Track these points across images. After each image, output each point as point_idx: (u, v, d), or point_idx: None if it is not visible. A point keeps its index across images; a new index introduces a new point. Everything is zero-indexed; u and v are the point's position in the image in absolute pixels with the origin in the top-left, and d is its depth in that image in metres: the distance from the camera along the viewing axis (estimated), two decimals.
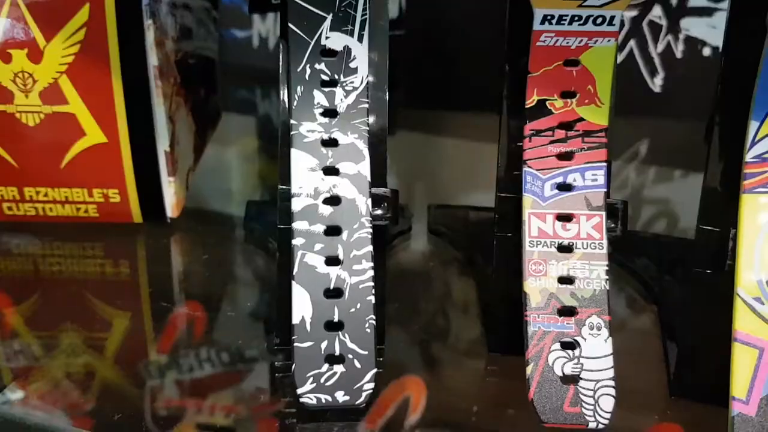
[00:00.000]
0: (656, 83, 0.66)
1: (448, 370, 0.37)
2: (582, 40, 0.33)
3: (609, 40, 0.33)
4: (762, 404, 0.29)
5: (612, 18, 0.33)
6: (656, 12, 0.60)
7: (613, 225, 0.34)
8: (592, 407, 0.31)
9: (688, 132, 0.61)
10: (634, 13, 0.59)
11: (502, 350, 0.37)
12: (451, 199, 0.52)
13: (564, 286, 0.33)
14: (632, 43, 0.60)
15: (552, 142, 0.34)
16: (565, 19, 0.33)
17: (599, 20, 0.33)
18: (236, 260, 0.46)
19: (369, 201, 0.34)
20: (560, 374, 0.31)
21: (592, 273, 0.33)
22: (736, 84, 0.33)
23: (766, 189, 0.31)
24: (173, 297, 0.42)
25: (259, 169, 0.59)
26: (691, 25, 0.61)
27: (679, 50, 0.62)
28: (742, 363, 0.29)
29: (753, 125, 0.31)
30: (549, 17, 0.33)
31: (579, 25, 0.33)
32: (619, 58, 0.59)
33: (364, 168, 0.34)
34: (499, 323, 0.37)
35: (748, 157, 0.31)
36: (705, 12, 0.61)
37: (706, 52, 0.63)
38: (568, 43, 0.33)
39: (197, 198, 0.51)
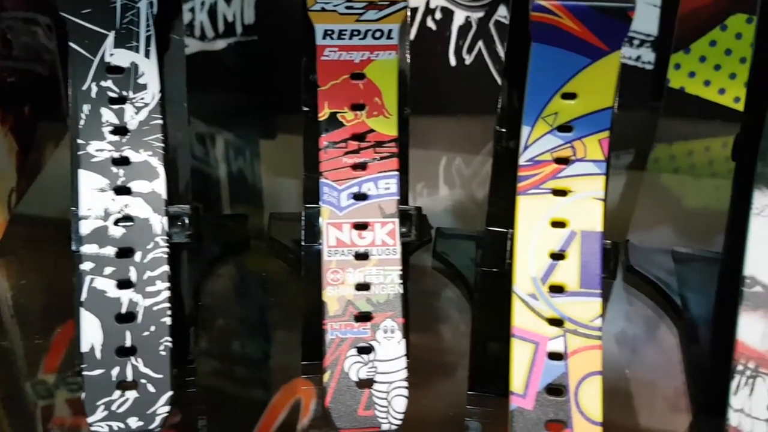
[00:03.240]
0: None
1: None
2: (364, 54, 0.33)
3: (390, 53, 0.33)
4: (539, 398, 0.30)
5: (390, 31, 0.33)
6: (502, 12, 0.60)
7: (405, 230, 0.34)
8: (385, 409, 0.31)
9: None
10: (480, 14, 0.59)
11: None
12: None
13: (360, 292, 0.33)
14: (480, 43, 0.61)
15: (346, 153, 0.34)
16: (345, 34, 0.33)
17: (378, 34, 0.33)
18: (56, 285, 0.44)
19: (165, 220, 0.33)
20: (356, 379, 0.31)
21: (387, 278, 0.33)
22: (514, 91, 0.34)
23: (539, 191, 0.32)
24: None
25: None
26: None
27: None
28: (519, 358, 0.30)
29: (525, 130, 0.32)
30: (329, 32, 0.33)
31: (359, 39, 0.33)
32: (469, 59, 0.60)
33: (159, 186, 0.33)
34: (308, 334, 0.37)
35: (522, 160, 0.32)
36: None
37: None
38: (351, 57, 0.33)
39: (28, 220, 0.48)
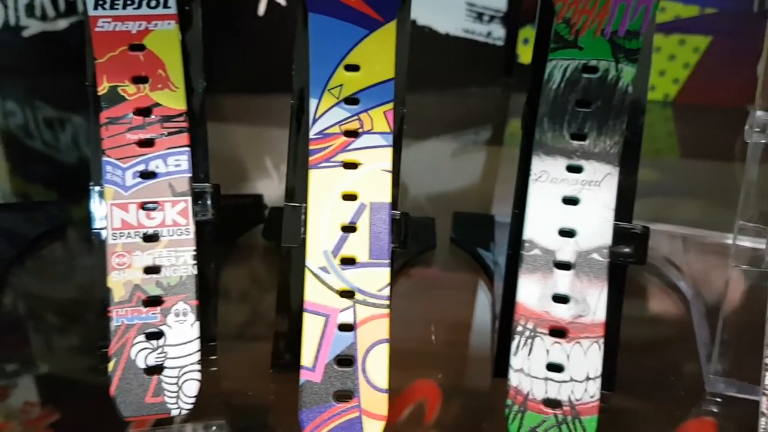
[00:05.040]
0: None
1: None
2: (141, 24, 0.31)
3: (169, 23, 0.31)
4: (327, 369, 0.30)
5: (167, 1, 0.31)
6: None
7: (198, 209, 0.33)
8: (175, 394, 0.30)
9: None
10: None
11: None
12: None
13: (150, 276, 0.31)
14: None
15: (130, 129, 0.32)
16: (118, 4, 0.30)
17: (153, 3, 0.31)
18: None
19: None
20: (143, 366, 0.30)
21: (179, 260, 0.32)
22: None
23: (329, 164, 0.32)
24: None
25: None
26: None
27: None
28: (310, 332, 0.30)
29: (312, 103, 0.31)
30: (101, 2, 0.30)
31: (134, 9, 0.31)
32: None
33: None
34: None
35: (312, 133, 0.32)
36: None
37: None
38: (127, 27, 0.31)
39: None
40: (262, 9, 0.59)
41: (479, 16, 0.63)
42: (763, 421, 0.29)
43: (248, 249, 0.46)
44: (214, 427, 0.32)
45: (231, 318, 0.39)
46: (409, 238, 0.33)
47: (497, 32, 0.63)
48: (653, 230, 0.50)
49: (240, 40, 0.61)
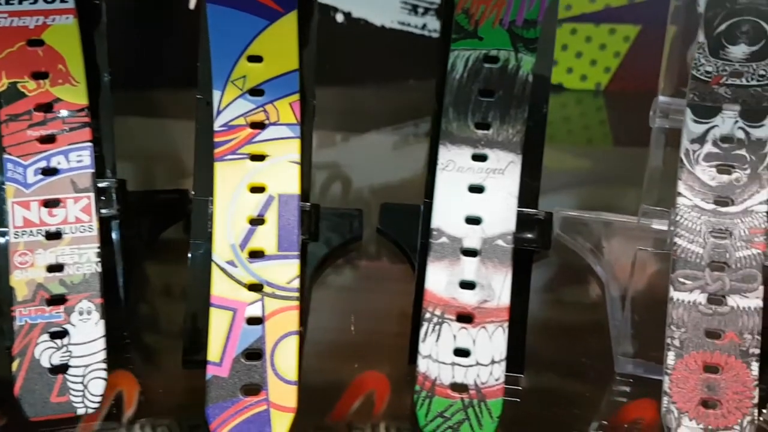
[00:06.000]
0: None
1: None
2: (39, 19, 0.31)
3: (67, 18, 0.31)
4: (235, 364, 0.29)
5: None
6: None
7: (102, 205, 0.32)
8: (81, 393, 0.29)
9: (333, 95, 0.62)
10: None
11: None
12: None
13: (53, 274, 0.31)
14: None
15: (31, 125, 0.32)
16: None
17: None
18: None
19: None
20: (48, 366, 0.29)
21: (83, 257, 0.31)
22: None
23: (235, 156, 0.32)
24: None
25: None
26: None
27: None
28: (217, 326, 0.30)
29: (216, 95, 0.31)
30: None
31: (30, 4, 0.30)
32: None
33: None
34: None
35: (216, 126, 0.31)
36: None
37: (339, 18, 0.63)
38: (25, 23, 0.30)
39: None
40: (192, 3, 0.58)
41: (414, 9, 0.63)
42: (665, 400, 0.30)
43: (174, 244, 0.45)
44: (160, 427, 0.31)
45: (152, 315, 0.39)
46: (327, 230, 0.33)
47: (432, 24, 0.63)
48: (577, 217, 0.51)
49: (172, 34, 0.60)
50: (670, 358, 0.30)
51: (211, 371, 0.29)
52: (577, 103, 0.76)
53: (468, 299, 0.31)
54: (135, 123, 0.53)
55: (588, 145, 0.70)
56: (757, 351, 0.30)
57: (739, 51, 0.32)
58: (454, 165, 0.32)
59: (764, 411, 0.32)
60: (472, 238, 0.31)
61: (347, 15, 0.65)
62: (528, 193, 0.33)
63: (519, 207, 0.32)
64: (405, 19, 0.65)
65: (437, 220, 0.32)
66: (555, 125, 0.77)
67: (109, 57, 0.34)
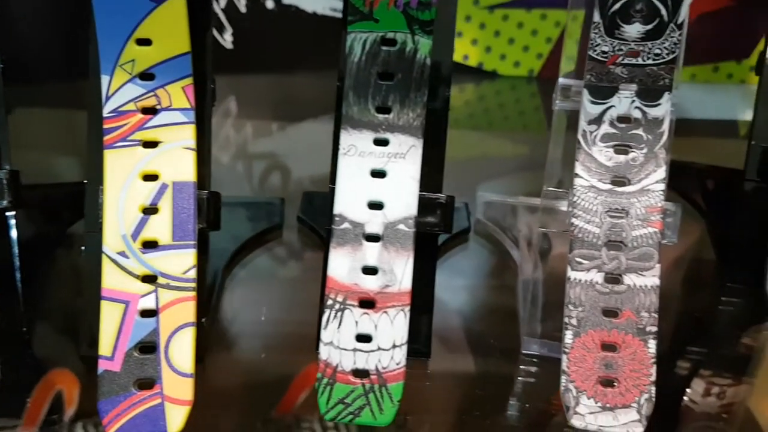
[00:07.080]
0: (227, 40, 0.63)
1: None
2: None
3: None
4: (128, 357, 0.28)
5: None
6: None
7: None
8: None
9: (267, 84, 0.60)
10: None
11: None
12: None
13: None
14: None
15: None
16: None
17: None
18: None
19: None
20: None
21: None
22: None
23: (126, 143, 0.30)
24: None
25: None
26: None
27: (242, 4, 0.60)
28: (108, 320, 0.29)
29: (104, 79, 0.30)
30: None
31: None
32: None
33: None
34: None
35: (105, 111, 0.30)
36: None
37: (269, 4, 0.61)
38: None
39: None
40: None
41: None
42: (563, 379, 0.30)
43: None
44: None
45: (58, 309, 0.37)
46: (247, 219, 0.32)
47: None
48: (497, 202, 0.52)
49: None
50: (568, 337, 0.30)
51: (102, 366, 0.28)
52: (511, 89, 0.77)
53: (370, 285, 0.30)
54: (43, 115, 0.51)
55: (524, 131, 0.70)
56: (655, 329, 0.31)
57: (634, 30, 0.32)
58: (356, 150, 0.31)
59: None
60: (374, 223, 0.31)
61: (277, 2, 0.64)
62: (431, 177, 0.33)
63: (422, 191, 0.32)
64: (337, 5, 0.64)
65: (339, 206, 0.31)
66: (491, 112, 0.77)
67: (25, 49, 0.32)
